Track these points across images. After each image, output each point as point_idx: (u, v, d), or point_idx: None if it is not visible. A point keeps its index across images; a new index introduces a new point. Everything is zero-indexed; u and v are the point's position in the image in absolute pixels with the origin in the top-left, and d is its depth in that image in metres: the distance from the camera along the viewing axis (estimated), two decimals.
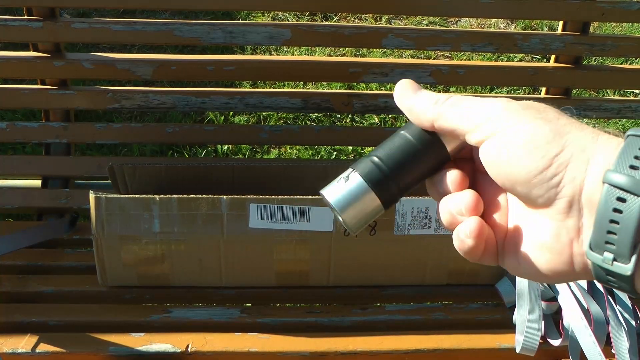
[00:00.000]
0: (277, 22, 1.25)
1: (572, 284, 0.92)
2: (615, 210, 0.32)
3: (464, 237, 0.37)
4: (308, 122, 2.00)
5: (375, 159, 0.40)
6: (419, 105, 0.39)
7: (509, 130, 0.35)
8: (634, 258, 0.31)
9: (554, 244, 0.35)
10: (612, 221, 0.32)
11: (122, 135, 1.24)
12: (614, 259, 0.32)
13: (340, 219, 0.40)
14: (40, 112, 1.24)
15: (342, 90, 1.78)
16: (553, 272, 0.36)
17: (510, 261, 0.38)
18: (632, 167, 0.32)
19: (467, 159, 0.41)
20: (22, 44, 1.20)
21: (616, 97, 2.11)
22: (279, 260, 0.96)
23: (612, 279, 0.33)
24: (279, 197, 0.91)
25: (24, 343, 0.85)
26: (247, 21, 1.71)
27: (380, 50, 2.19)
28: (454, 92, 1.68)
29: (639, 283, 0.32)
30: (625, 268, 0.32)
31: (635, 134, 0.33)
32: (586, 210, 0.34)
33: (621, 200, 0.31)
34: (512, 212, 0.39)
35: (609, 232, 0.32)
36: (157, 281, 0.97)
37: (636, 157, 0.32)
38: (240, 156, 1.87)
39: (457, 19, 2.45)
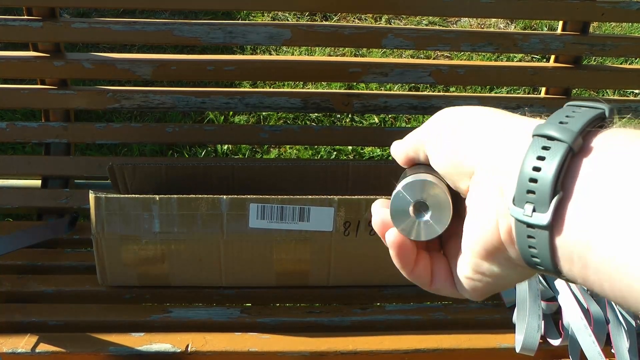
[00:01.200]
0: (277, 22, 1.24)
1: (571, 283, 0.92)
2: (540, 157, 0.31)
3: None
4: (308, 122, 2.00)
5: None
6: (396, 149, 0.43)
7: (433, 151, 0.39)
8: (552, 204, 0.30)
9: (482, 213, 0.34)
10: (535, 169, 0.31)
11: (122, 135, 1.24)
12: (534, 210, 0.31)
13: (439, 187, 0.38)
14: (40, 112, 1.24)
15: (342, 90, 1.78)
16: (484, 247, 0.35)
17: (458, 280, 0.39)
18: (562, 122, 0.32)
19: None
20: (22, 44, 1.20)
21: (616, 97, 2.11)
22: (279, 260, 0.96)
23: (533, 240, 0.31)
24: (279, 197, 0.91)
25: (23, 343, 0.84)
26: (247, 21, 1.71)
27: (380, 50, 2.19)
28: (453, 92, 1.68)
29: (558, 246, 0.30)
30: (544, 217, 0.30)
31: (573, 104, 0.35)
32: (512, 168, 0.33)
33: (546, 148, 0.31)
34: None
35: (532, 180, 0.31)
36: (157, 281, 0.97)
37: (567, 116, 0.33)
38: (240, 156, 1.87)
39: (457, 19, 2.45)
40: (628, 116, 0.34)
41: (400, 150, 0.42)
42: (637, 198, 0.27)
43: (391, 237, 0.39)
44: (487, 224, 0.34)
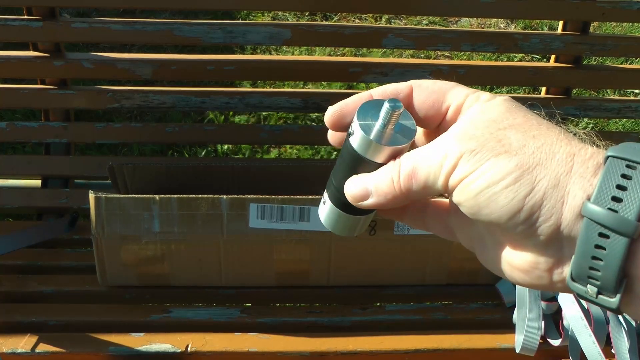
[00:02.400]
0: (277, 22, 1.25)
1: None
2: (598, 246, 0.30)
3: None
4: (308, 122, 2.00)
5: (333, 183, 0.41)
6: (382, 198, 0.36)
7: (472, 176, 0.33)
8: (619, 294, 0.30)
9: (532, 271, 0.33)
10: (594, 258, 0.30)
11: (122, 135, 1.24)
12: (599, 292, 0.30)
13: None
14: (40, 112, 1.24)
15: (342, 90, 1.78)
16: (529, 285, 0.34)
17: (483, 259, 0.37)
18: (615, 198, 0.29)
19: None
20: (22, 44, 1.20)
21: (616, 97, 2.11)
22: (279, 260, 0.96)
23: (597, 304, 0.32)
24: (279, 197, 0.91)
25: (23, 343, 0.84)
26: (247, 21, 1.71)
27: (380, 50, 2.19)
28: None
29: (625, 309, 0.31)
30: (611, 302, 0.30)
31: (616, 156, 0.30)
32: (566, 243, 0.31)
33: (604, 236, 0.29)
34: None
35: (592, 269, 0.30)
36: (157, 281, 0.97)
37: (619, 187, 0.30)
38: (240, 156, 1.87)
39: (457, 19, 2.45)
40: None
41: (416, 190, 0.35)
42: None
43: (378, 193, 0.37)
44: (539, 281, 0.33)
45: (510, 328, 0.90)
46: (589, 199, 0.30)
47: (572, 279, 0.31)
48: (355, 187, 0.38)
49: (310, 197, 0.92)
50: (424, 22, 2.39)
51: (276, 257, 0.96)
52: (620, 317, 0.89)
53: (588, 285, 0.31)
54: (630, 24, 2.41)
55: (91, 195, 0.90)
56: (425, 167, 0.34)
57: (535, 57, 2.20)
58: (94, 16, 2.24)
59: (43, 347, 0.84)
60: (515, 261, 0.34)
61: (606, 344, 0.87)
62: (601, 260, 0.30)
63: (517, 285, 0.93)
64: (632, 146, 0.31)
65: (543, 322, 0.88)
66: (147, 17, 2.13)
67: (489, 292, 1.00)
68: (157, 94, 1.19)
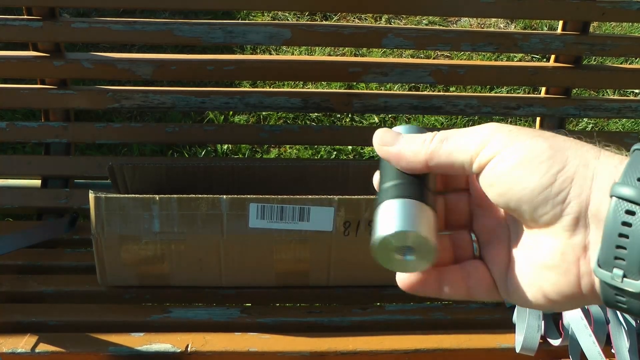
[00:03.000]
0: (277, 22, 1.25)
1: None
2: (625, 223, 0.30)
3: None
4: (308, 122, 2.00)
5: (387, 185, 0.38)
6: (407, 148, 0.37)
7: (507, 151, 0.34)
8: None
9: (560, 263, 0.34)
10: (621, 235, 0.30)
11: (122, 135, 1.24)
12: (624, 275, 0.30)
13: (421, 235, 0.36)
14: (40, 112, 1.24)
15: (342, 90, 1.78)
16: (559, 295, 0.34)
17: (515, 291, 0.36)
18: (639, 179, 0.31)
19: (462, 193, 0.40)
20: (22, 44, 1.20)
21: (616, 97, 2.11)
22: (279, 260, 0.96)
23: (621, 298, 0.31)
24: (279, 197, 0.91)
25: (23, 343, 0.84)
26: (247, 21, 1.71)
27: (380, 50, 2.19)
28: (454, 91, 1.68)
29: None
30: (636, 284, 0.30)
31: None
32: (593, 227, 0.32)
33: (630, 213, 0.30)
34: (513, 241, 0.37)
35: (618, 247, 0.30)
36: (157, 281, 0.97)
37: None
38: (240, 156, 1.87)
39: (457, 18, 2.45)
40: None
41: (420, 155, 0.36)
42: None
43: (405, 285, 0.39)
44: (565, 279, 0.34)
45: (510, 328, 0.90)
46: (615, 183, 0.31)
47: (599, 265, 0.31)
48: (387, 132, 0.38)
49: (310, 197, 0.92)
50: (424, 22, 2.39)
51: (276, 257, 0.96)
52: (620, 317, 0.89)
53: (614, 270, 0.31)
54: (630, 24, 2.41)
55: (91, 195, 0.90)
56: (460, 136, 0.36)
57: (535, 57, 2.20)
58: (94, 16, 2.24)
59: (43, 347, 0.84)
60: (544, 258, 0.34)
61: (606, 344, 0.87)
62: (628, 237, 0.30)
63: None
64: None
65: (543, 322, 0.88)
66: (147, 17, 2.13)
67: None
68: (157, 94, 1.20)
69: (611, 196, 0.31)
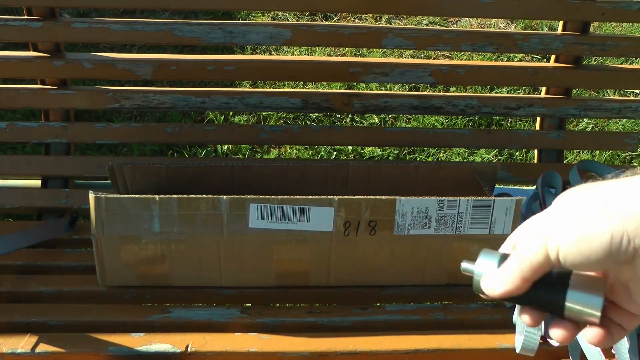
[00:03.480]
0: (277, 22, 1.24)
1: None
2: None
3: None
4: (308, 122, 2.00)
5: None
6: (505, 281, 0.44)
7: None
8: None
9: None
10: None
11: (122, 135, 1.24)
12: None
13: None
14: (40, 112, 1.24)
15: (342, 90, 1.78)
16: None
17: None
18: None
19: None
20: (22, 44, 1.20)
21: (616, 97, 2.11)
22: (279, 260, 0.96)
23: None
24: (279, 197, 0.91)
25: (23, 343, 0.84)
26: (247, 21, 1.71)
27: (380, 50, 2.19)
28: (454, 91, 1.68)
29: None
30: None
31: None
32: None
33: None
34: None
35: None
36: (157, 281, 0.97)
37: None
38: (240, 156, 1.87)
39: (457, 19, 2.45)
40: None
41: (528, 272, 0.42)
42: None
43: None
44: None
45: (510, 328, 0.90)
46: None
47: None
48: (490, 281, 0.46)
49: (310, 197, 0.92)
50: (424, 22, 2.39)
51: (276, 257, 0.96)
52: None
53: None
54: (630, 24, 2.41)
55: (91, 195, 0.90)
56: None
57: (535, 57, 2.20)
58: (94, 16, 2.24)
59: (43, 347, 0.84)
60: None
61: None
62: None
63: None
64: None
65: (543, 322, 0.88)
66: (147, 17, 2.13)
67: None
68: (157, 94, 1.20)
69: None
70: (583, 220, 0.38)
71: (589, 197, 0.39)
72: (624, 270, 0.40)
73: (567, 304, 0.42)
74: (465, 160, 1.93)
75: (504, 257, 0.45)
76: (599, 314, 0.41)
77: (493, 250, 0.46)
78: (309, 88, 2.07)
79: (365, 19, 2.36)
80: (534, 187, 1.17)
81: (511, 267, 0.42)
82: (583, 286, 0.42)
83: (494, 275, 0.43)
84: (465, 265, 0.48)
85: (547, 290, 0.43)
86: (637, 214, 0.37)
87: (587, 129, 2.05)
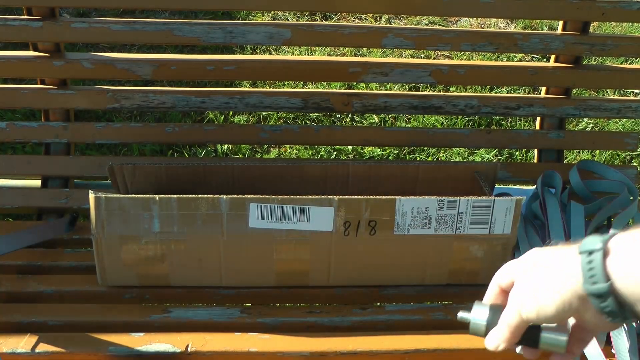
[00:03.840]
0: (277, 22, 1.24)
1: None
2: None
3: None
4: (308, 122, 2.00)
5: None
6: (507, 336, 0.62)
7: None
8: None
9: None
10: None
11: (122, 135, 1.24)
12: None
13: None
14: (40, 112, 1.24)
15: (342, 90, 1.78)
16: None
17: None
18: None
19: None
20: (22, 44, 1.20)
21: (616, 97, 2.11)
22: (279, 260, 0.96)
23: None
24: (279, 197, 0.91)
25: (23, 343, 0.84)
26: (247, 21, 1.71)
27: (380, 50, 2.19)
28: (453, 91, 1.68)
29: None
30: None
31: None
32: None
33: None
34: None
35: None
36: (157, 281, 0.97)
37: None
38: (240, 156, 1.87)
39: (457, 18, 2.45)
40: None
41: (514, 331, 0.60)
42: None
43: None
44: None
45: None
46: None
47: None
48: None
49: (310, 197, 0.92)
50: (424, 22, 2.39)
51: (276, 257, 0.96)
52: None
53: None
54: (630, 24, 2.41)
55: (91, 195, 0.90)
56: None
57: (535, 57, 2.20)
58: (94, 16, 2.24)
59: (43, 347, 0.84)
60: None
61: (606, 344, 0.87)
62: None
63: None
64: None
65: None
66: (147, 17, 2.13)
67: None
68: (157, 94, 1.20)
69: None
70: (540, 293, 0.56)
71: (545, 268, 0.57)
72: (575, 316, 0.57)
73: (541, 344, 0.61)
74: (465, 160, 1.93)
75: (492, 308, 0.63)
76: (563, 348, 0.61)
77: (483, 303, 0.64)
78: (309, 88, 2.07)
79: (365, 19, 2.36)
80: (534, 187, 1.17)
81: (503, 330, 0.60)
82: (551, 330, 0.61)
83: (494, 337, 0.61)
84: (462, 314, 0.65)
85: (528, 336, 0.61)
86: (573, 288, 0.54)
87: (587, 129, 2.05)
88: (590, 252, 0.52)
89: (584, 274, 0.52)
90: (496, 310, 0.62)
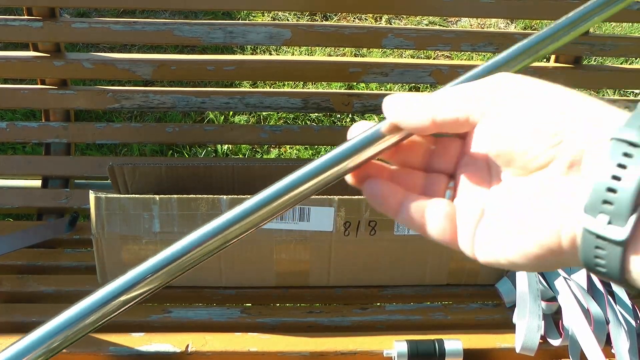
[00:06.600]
0: (277, 22, 1.25)
1: (572, 283, 0.92)
2: (620, 165, 0.28)
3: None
4: (308, 122, 2.00)
5: None
6: (413, 109, 0.38)
7: (510, 102, 0.35)
8: (632, 219, 0.28)
9: (546, 210, 0.31)
10: (614, 177, 0.28)
11: (122, 135, 1.24)
12: (609, 222, 0.28)
13: None
14: (40, 112, 1.24)
15: (342, 90, 1.78)
16: (539, 246, 0.32)
17: (483, 244, 0.35)
18: None
19: (454, 140, 0.39)
20: (22, 44, 1.20)
21: (616, 97, 2.11)
22: (279, 260, 0.96)
23: (601, 251, 0.29)
24: None
25: None
26: (247, 21, 1.71)
27: (380, 50, 2.19)
28: None
29: (633, 260, 0.29)
30: (620, 231, 0.28)
31: None
32: (586, 172, 0.30)
33: (627, 155, 0.28)
34: (494, 192, 0.35)
35: (609, 190, 0.28)
36: None
37: None
38: (240, 156, 1.87)
39: (457, 19, 2.45)
40: None
41: (447, 111, 0.35)
42: None
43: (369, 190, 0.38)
44: (547, 227, 0.31)
45: (510, 328, 0.90)
46: (618, 127, 0.30)
47: (585, 211, 0.29)
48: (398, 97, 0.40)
49: (310, 197, 0.91)
50: (424, 22, 2.39)
51: (276, 257, 0.96)
52: (620, 317, 0.89)
53: (599, 215, 0.29)
54: (630, 24, 2.41)
55: (91, 195, 0.90)
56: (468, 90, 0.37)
57: None
58: (94, 16, 2.24)
59: None
60: (529, 204, 0.32)
61: (606, 344, 0.87)
62: (620, 179, 0.28)
63: (517, 285, 0.93)
64: None
65: (543, 322, 0.88)
66: (147, 17, 2.13)
67: (489, 292, 1.00)
68: (157, 94, 1.20)
69: (612, 139, 0.30)
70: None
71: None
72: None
73: None
74: None
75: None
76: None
77: None
78: (309, 88, 2.07)
79: (365, 19, 2.36)
80: None
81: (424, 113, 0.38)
82: None
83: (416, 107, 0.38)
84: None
85: None
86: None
87: None
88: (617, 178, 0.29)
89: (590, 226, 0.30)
90: None
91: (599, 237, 0.29)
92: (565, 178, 0.31)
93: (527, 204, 0.32)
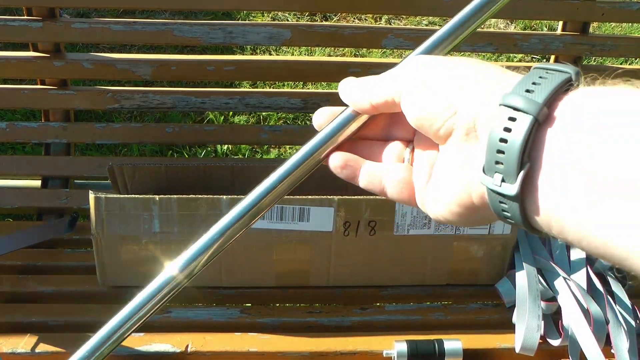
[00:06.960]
0: (277, 22, 1.25)
1: (571, 284, 0.92)
2: (506, 129, 0.32)
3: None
4: (308, 122, 2.00)
5: None
6: (357, 93, 0.43)
7: (420, 78, 0.38)
8: (520, 176, 0.31)
9: (457, 173, 0.36)
10: (502, 140, 0.32)
11: (122, 135, 1.24)
12: (503, 180, 0.32)
13: None
14: (40, 112, 1.24)
15: None
16: (458, 206, 0.36)
17: (429, 203, 0.39)
18: (528, 90, 0.32)
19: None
20: (22, 44, 1.20)
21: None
22: (279, 260, 0.96)
23: (504, 205, 0.33)
24: None
25: (23, 343, 0.84)
26: (247, 21, 1.71)
27: (380, 50, 2.19)
28: None
29: (530, 211, 0.32)
30: (511, 187, 0.31)
31: (540, 67, 0.34)
32: (483, 137, 0.34)
33: (512, 119, 0.31)
34: (438, 158, 0.39)
35: (499, 152, 0.32)
36: None
37: (533, 83, 0.32)
38: (240, 156, 1.87)
39: None
40: (592, 75, 0.35)
41: (378, 96, 0.40)
42: (597, 161, 0.29)
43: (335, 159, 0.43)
44: (460, 188, 0.36)
45: (510, 328, 0.90)
46: (505, 94, 0.33)
47: (484, 172, 0.33)
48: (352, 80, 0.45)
49: (310, 197, 0.92)
50: (424, 22, 2.39)
51: (276, 257, 0.96)
52: (620, 317, 0.89)
53: (495, 175, 0.32)
54: (630, 24, 2.41)
55: (91, 196, 0.90)
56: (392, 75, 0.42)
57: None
58: (94, 16, 2.24)
59: (43, 347, 0.84)
60: (446, 169, 0.37)
61: (606, 344, 0.87)
62: (506, 142, 0.31)
63: (516, 285, 0.93)
64: (560, 63, 0.35)
65: (543, 322, 0.88)
66: (147, 17, 2.13)
67: (489, 292, 1.00)
68: (157, 94, 1.20)
69: (499, 105, 0.32)
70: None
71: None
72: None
73: None
74: None
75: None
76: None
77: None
78: (309, 88, 2.07)
79: (365, 19, 2.36)
80: None
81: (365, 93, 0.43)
82: None
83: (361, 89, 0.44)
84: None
85: None
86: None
87: None
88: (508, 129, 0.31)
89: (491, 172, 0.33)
90: None
91: (497, 193, 0.33)
92: (465, 144, 0.35)
93: (447, 166, 0.37)
